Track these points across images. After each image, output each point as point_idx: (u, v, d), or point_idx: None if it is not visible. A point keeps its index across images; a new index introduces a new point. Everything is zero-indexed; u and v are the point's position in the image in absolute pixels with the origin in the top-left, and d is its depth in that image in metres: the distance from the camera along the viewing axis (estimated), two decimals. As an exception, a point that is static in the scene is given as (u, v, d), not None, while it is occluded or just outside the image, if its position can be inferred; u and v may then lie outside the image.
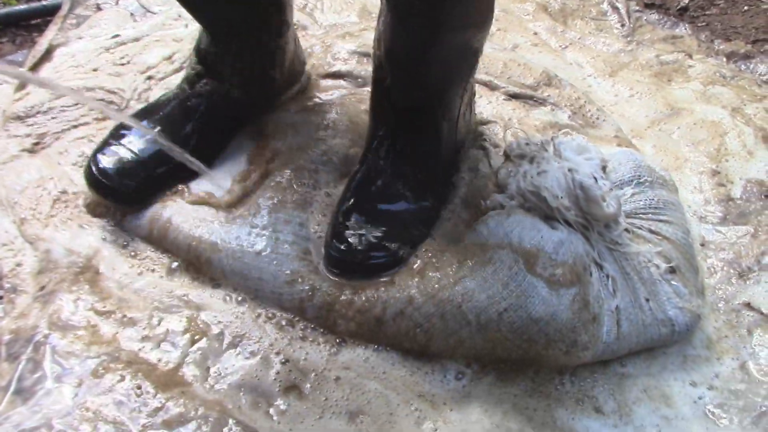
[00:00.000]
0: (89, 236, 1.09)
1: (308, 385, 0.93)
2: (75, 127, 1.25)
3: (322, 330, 0.98)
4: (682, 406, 0.89)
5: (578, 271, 0.91)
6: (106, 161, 1.08)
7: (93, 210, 1.12)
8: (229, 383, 0.93)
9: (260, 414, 0.90)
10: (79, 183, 1.14)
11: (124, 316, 1.00)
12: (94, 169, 1.08)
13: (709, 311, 0.99)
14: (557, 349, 0.90)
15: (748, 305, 0.98)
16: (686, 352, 0.95)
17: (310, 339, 0.97)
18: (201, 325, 0.99)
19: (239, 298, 1.01)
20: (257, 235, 1.03)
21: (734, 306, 0.99)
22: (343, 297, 0.96)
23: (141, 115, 1.16)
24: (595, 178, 0.96)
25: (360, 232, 0.97)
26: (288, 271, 0.99)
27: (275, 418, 0.89)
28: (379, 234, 0.98)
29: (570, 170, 0.96)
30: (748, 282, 1.01)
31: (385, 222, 0.99)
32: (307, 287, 0.98)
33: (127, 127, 1.12)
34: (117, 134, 1.13)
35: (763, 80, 1.32)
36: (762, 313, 0.97)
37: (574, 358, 0.91)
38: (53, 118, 1.26)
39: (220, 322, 0.99)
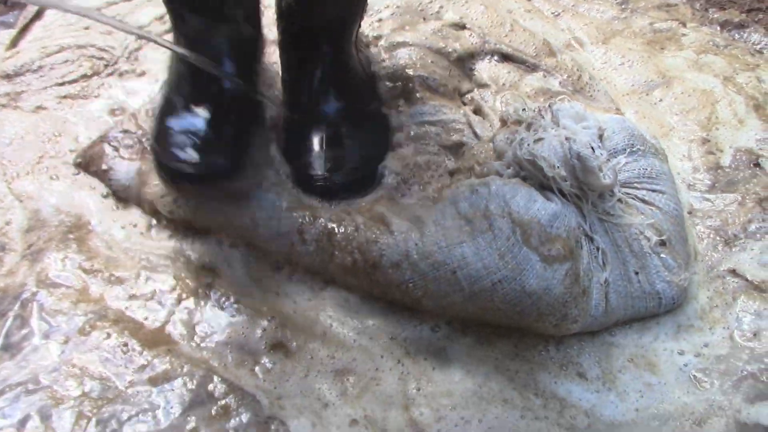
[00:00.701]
0: (78, 195, 1.09)
1: (294, 344, 0.93)
2: (62, 84, 1.25)
3: (309, 275, 1.00)
4: (667, 374, 0.90)
5: (571, 245, 0.91)
6: (185, 152, 0.97)
7: (83, 168, 1.11)
8: (216, 341, 0.93)
9: (245, 372, 0.90)
10: (69, 141, 1.14)
11: (112, 274, 1.00)
12: (175, 165, 0.96)
13: (702, 280, 0.99)
14: (548, 322, 0.90)
15: (734, 272, 0.99)
16: (680, 321, 0.95)
17: (295, 280, 0.99)
18: (188, 284, 0.99)
19: (228, 246, 1.02)
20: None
21: (719, 273, 0.99)
22: (342, 229, 0.97)
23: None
24: (593, 148, 0.95)
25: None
26: (288, 199, 1.01)
27: (261, 376, 0.90)
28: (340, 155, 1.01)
29: (567, 139, 0.95)
30: (734, 249, 1.01)
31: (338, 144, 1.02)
32: (307, 213, 0.99)
33: (175, 103, 1.01)
34: (170, 111, 1.02)
35: (756, 49, 1.31)
36: (747, 280, 0.97)
37: (563, 330, 0.92)
38: (42, 76, 1.26)
39: (207, 281, 0.99)
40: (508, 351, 0.93)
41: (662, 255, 0.96)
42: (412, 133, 1.07)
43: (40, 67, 1.27)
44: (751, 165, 1.10)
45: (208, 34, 0.99)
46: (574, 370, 0.91)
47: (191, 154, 0.95)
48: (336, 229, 0.96)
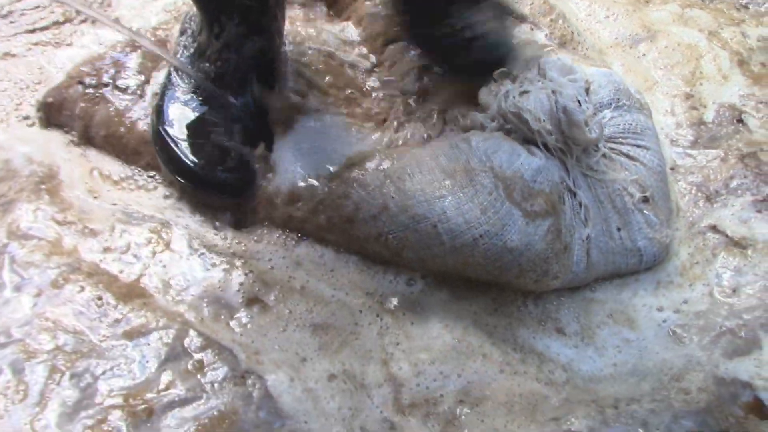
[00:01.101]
0: (50, 145, 1.06)
1: (272, 298, 0.92)
2: (32, 31, 1.21)
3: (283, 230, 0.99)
4: (646, 330, 0.90)
5: (554, 201, 0.90)
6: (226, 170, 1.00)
7: (53, 111, 1.09)
8: (192, 295, 0.92)
9: (222, 326, 0.89)
10: (40, 89, 1.11)
11: (86, 227, 0.98)
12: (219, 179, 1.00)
13: (683, 236, 0.98)
14: (528, 278, 0.90)
15: (715, 228, 0.98)
16: (660, 278, 0.95)
17: (270, 236, 0.98)
18: (163, 237, 0.97)
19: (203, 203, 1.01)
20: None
21: (700, 229, 0.99)
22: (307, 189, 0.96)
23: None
24: (579, 102, 0.94)
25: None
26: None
27: (237, 330, 0.89)
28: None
29: (554, 92, 0.93)
30: (715, 205, 1.01)
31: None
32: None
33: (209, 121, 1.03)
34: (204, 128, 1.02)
35: (742, 4, 1.29)
36: (727, 236, 0.97)
37: (543, 286, 0.91)
38: (12, 22, 1.22)
39: (183, 231, 0.98)
40: (486, 306, 0.92)
41: (645, 212, 0.95)
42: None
43: (10, 12, 1.23)
44: (734, 121, 1.09)
45: (241, 42, 0.99)
46: (553, 326, 0.91)
47: (232, 172, 0.99)
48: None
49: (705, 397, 0.82)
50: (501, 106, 0.95)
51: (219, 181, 0.98)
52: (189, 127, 1.00)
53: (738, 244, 0.96)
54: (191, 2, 0.99)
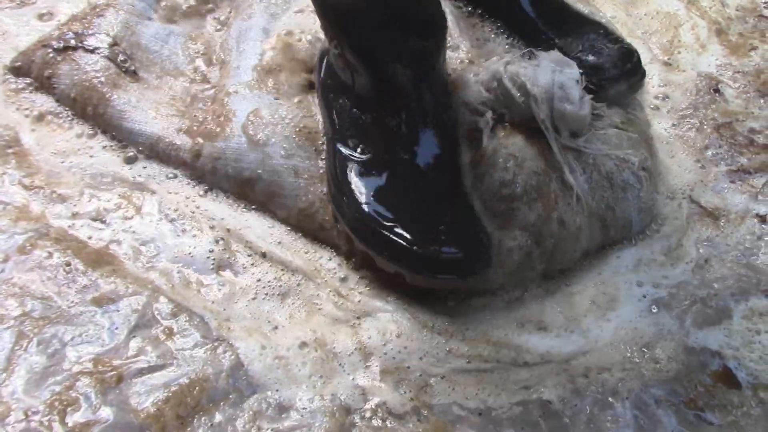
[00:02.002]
0: (16, 108, 1.04)
1: (241, 265, 0.91)
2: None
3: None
4: (625, 305, 0.90)
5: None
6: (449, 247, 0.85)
7: (22, 74, 1.07)
8: (162, 261, 0.91)
9: (193, 293, 0.88)
10: (5, 48, 1.09)
11: (54, 192, 0.96)
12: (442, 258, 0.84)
13: (665, 207, 0.98)
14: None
15: (689, 198, 0.98)
16: (641, 255, 0.95)
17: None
18: (134, 203, 0.96)
19: (173, 167, 1.00)
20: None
21: (676, 199, 0.99)
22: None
23: None
24: (577, 81, 0.91)
25: None
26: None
27: (208, 297, 0.88)
28: None
29: (554, 71, 0.92)
30: (689, 175, 1.01)
31: None
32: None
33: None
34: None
35: (722, -28, 1.29)
36: (701, 206, 0.97)
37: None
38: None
39: (153, 196, 0.96)
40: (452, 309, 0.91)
41: (643, 181, 0.94)
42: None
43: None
44: (711, 91, 1.09)
45: (419, 87, 0.89)
46: (535, 326, 0.88)
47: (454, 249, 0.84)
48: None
49: (675, 366, 0.83)
50: (499, 70, 0.93)
51: (445, 260, 0.84)
52: (391, 200, 0.88)
53: (711, 215, 0.96)
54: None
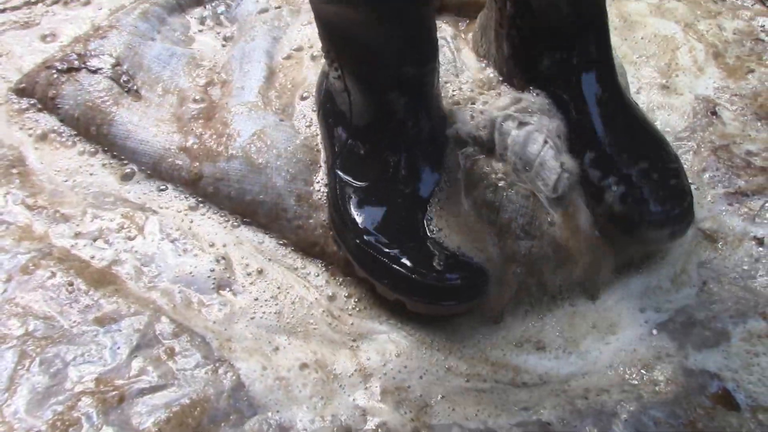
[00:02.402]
0: (20, 127, 1.05)
1: (240, 285, 0.92)
2: (2, 11, 1.19)
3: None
4: (627, 329, 0.90)
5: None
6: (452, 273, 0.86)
7: (26, 95, 1.07)
8: (164, 281, 0.91)
9: (194, 313, 0.89)
10: (12, 71, 1.10)
11: (57, 211, 0.97)
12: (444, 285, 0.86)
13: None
14: None
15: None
16: (649, 283, 0.95)
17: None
18: (137, 223, 0.96)
19: (173, 188, 1.00)
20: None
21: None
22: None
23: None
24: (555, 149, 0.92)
25: None
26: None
27: (210, 317, 0.89)
28: None
29: (545, 141, 0.91)
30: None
31: None
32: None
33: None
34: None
35: (719, -4, 1.30)
36: (698, 229, 0.98)
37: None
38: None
39: (155, 216, 0.97)
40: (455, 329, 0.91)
41: None
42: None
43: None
44: (708, 113, 1.10)
45: (415, 115, 0.90)
46: (533, 345, 0.89)
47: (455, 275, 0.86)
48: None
49: (674, 389, 0.83)
50: (494, 122, 0.94)
51: (450, 287, 0.86)
52: (390, 227, 0.89)
53: (709, 237, 0.97)
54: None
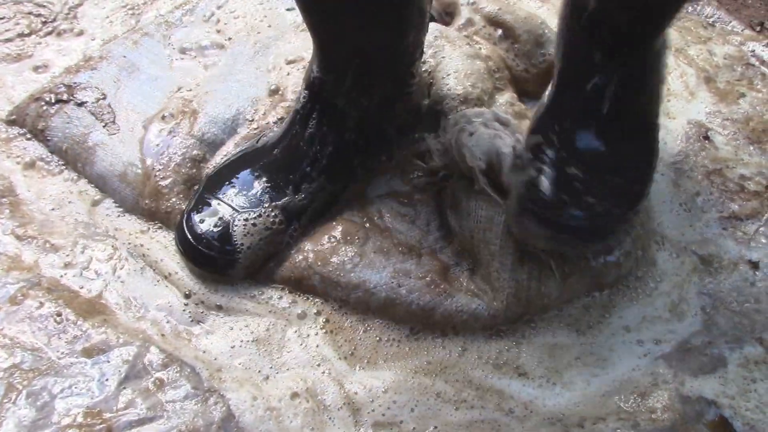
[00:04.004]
0: (10, 158, 1.04)
1: (214, 314, 0.92)
2: None
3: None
4: (620, 361, 0.89)
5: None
6: (205, 224, 0.94)
7: (18, 125, 1.07)
8: (153, 312, 0.91)
9: (184, 343, 0.88)
10: (1, 99, 1.10)
11: (47, 242, 0.96)
12: (189, 234, 0.94)
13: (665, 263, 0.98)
14: None
15: (682, 246, 0.99)
16: (646, 312, 0.94)
17: None
18: (125, 253, 0.96)
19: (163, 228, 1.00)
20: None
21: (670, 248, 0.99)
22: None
23: (243, 160, 0.99)
24: (514, 147, 0.93)
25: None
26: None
27: (200, 346, 0.88)
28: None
29: (495, 137, 0.93)
30: (682, 222, 1.01)
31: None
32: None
33: (223, 177, 0.98)
34: (211, 186, 0.97)
35: (709, 22, 1.30)
36: (693, 253, 0.98)
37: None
38: (-26, 33, 1.20)
39: (142, 248, 0.96)
40: (433, 348, 0.91)
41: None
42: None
43: (-27, 23, 1.22)
44: (701, 138, 1.10)
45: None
46: (514, 370, 0.88)
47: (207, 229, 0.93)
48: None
49: (670, 416, 0.82)
50: (451, 137, 0.96)
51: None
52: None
53: (705, 261, 0.96)
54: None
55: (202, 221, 0.93)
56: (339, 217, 0.97)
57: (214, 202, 0.95)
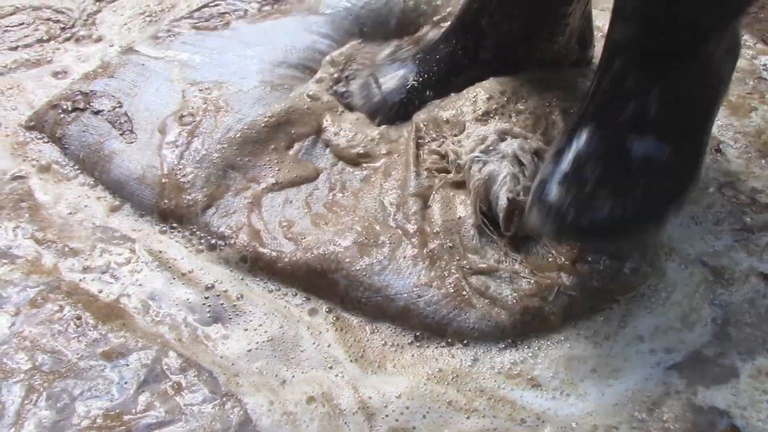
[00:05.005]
0: (31, 163, 1.06)
1: (233, 312, 0.93)
2: (15, 49, 1.21)
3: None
4: (633, 372, 0.89)
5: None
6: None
7: (37, 131, 1.09)
8: (171, 315, 0.92)
9: (201, 347, 0.89)
10: (21, 103, 1.11)
11: (66, 246, 0.97)
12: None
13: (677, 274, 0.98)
14: None
15: (694, 259, 0.99)
16: (659, 322, 0.94)
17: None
18: (142, 257, 0.97)
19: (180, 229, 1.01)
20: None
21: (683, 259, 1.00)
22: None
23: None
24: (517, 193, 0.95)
25: None
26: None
27: (217, 351, 0.89)
28: None
29: (509, 175, 0.96)
30: (695, 235, 1.02)
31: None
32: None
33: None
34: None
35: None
36: (707, 266, 0.98)
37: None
38: (-7, 39, 1.22)
39: (161, 254, 0.97)
40: (443, 355, 0.91)
41: None
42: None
43: (-6, 29, 1.23)
44: (713, 150, 1.10)
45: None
46: (527, 382, 0.88)
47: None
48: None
49: (682, 426, 0.82)
50: (468, 161, 0.99)
51: None
52: None
53: (716, 273, 0.97)
54: None
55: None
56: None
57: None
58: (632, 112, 0.87)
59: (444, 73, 1.10)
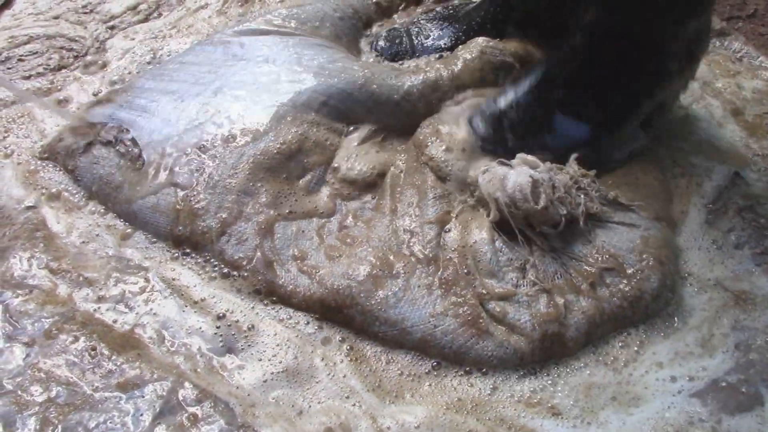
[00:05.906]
0: (37, 189, 1.06)
1: (245, 342, 0.92)
2: (28, 77, 1.21)
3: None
4: (654, 400, 0.88)
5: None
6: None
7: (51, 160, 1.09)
8: (186, 346, 0.91)
9: (218, 378, 0.88)
10: (33, 131, 1.11)
11: (80, 275, 0.97)
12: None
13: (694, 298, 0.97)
14: None
15: (715, 283, 0.98)
16: (678, 348, 0.93)
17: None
18: (156, 285, 0.96)
19: (183, 254, 1.00)
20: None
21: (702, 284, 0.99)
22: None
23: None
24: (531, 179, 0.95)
25: None
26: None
27: (233, 381, 0.88)
28: None
29: (518, 174, 0.96)
30: (714, 259, 1.00)
31: None
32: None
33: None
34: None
35: (737, 57, 1.30)
36: (727, 290, 0.97)
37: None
38: (9, 68, 1.22)
39: (175, 283, 0.97)
40: (462, 383, 0.91)
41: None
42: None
43: (8, 59, 1.24)
44: (731, 174, 1.09)
45: None
46: (548, 410, 0.88)
47: None
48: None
49: (707, 455, 0.81)
50: (479, 179, 0.99)
51: None
52: None
53: (739, 298, 0.96)
54: None
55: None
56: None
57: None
58: None
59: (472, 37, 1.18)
